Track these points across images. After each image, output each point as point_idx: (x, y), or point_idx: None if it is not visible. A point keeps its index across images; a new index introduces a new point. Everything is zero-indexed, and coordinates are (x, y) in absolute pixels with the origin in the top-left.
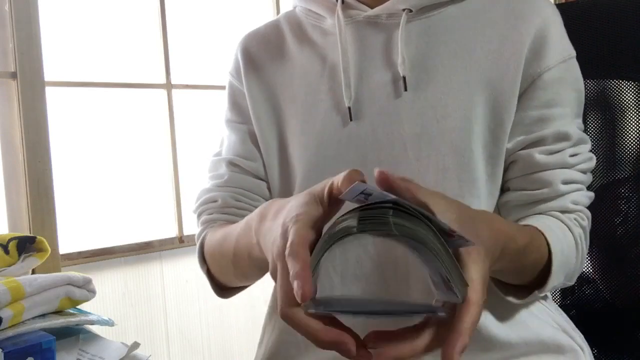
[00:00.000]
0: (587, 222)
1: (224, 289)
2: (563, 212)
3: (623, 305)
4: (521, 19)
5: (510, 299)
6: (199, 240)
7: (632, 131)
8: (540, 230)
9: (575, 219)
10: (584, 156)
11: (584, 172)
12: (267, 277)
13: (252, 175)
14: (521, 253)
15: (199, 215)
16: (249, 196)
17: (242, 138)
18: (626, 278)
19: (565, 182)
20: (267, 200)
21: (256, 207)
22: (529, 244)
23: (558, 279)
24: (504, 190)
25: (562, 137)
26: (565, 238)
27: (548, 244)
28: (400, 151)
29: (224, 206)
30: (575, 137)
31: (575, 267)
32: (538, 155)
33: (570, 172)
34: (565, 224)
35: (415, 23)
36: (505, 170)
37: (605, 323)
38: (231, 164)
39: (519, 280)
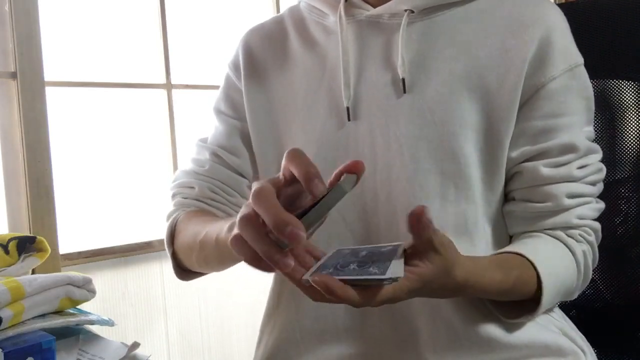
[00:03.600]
0: (594, 237)
1: (184, 272)
2: (567, 227)
3: (623, 305)
4: (525, 25)
5: (500, 316)
6: (170, 221)
7: (632, 131)
8: (531, 262)
9: (580, 235)
10: (593, 167)
11: (592, 184)
12: (268, 279)
13: (233, 170)
14: (502, 292)
15: (173, 196)
16: (226, 190)
17: (229, 132)
18: (626, 278)
19: (571, 196)
20: (243, 196)
21: (231, 201)
22: (512, 287)
23: (551, 304)
24: (508, 199)
25: (569, 149)
26: (564, 265)
27: (539, 276)
28: (396, 153)
29: (200, 195)
30: (584, 148)
31: (577, 286)
32: (543, 168)
33: (577, 185)
34: (568, 247)
35: (417, 24)
36: (510, 180)
37: (605, 323)
38: (214, 154)
39: (508, 299)
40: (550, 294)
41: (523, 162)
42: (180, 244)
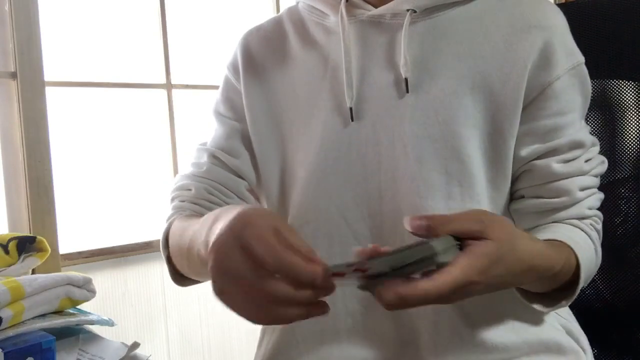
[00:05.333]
0: (600, 225)
1: (181, 277)
2: (580, 218)
3: (623, 305)
4: (527, 25)
5: (536, 306)
6: (166, 225)
7: (632, 131)
8: (570, 247)
9: (591, 224)
10: (597, 160)
11: (596, 176)
12: None
13: (231, 171)
14: (552, 277)
15: (171, 200)
16: (223, 191)
17: (229, 133)
18: (626, 278)
19: (582, 189)
20: (242, 198)
21: (227, 202)
22: (562, 267)
23: (582, 287)
24: (516, 197)
25: (577, 145)
26: (589, 248)
27: (577, 259)
28: (400, 153)
29: (197, 197)
30: (588, 143)
31: (594, 272)
32: (555, 164)
33: (586, 178)
34: (586, 233)
35: (419, 24)
36: (518, 179)
37: (605, 323)
38: (213, 156)
39: (547, 289)
40: (585, 275)
41: (533, 160)
42: (172, 250)
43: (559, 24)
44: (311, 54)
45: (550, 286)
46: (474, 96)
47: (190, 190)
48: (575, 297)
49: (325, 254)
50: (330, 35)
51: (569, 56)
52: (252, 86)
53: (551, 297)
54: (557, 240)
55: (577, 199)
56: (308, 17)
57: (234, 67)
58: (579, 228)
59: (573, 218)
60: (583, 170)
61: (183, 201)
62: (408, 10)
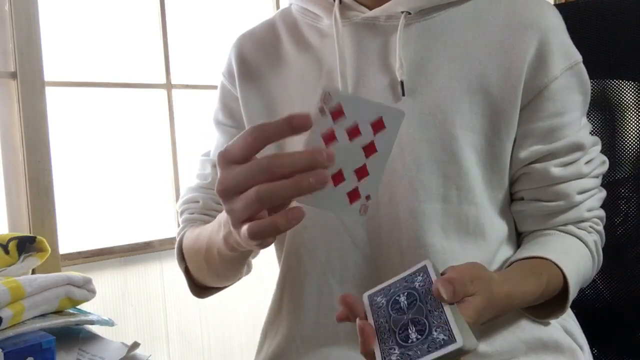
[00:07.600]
0: (601, 225)
1: (200, 289)
2: (579, 221)
3: (623, 305)
4: (523, 26)
5: (529, 315)
6: (178, 238)
7: (632, 131)
8: (555, 263)
9: (590, 226)
10: (597, 161)
11: (597, 176)
12: (268, 280)
13: None
14: (537, 297)
15: (181, 213)
16: None
17: (229, 141)
18: (626, 278)
19: (581, 192)
20: None
21: None
22: (544, 290)
23: (574, 296)
24: (516, 198)
25: (576, 147)
26: (583, 258)
27: (564, 275)
28: (398, 156)
29: (205, 208)
30: (589, 144)
31: (592, 275)
32: (554, 168)
33: (585, 181)
34: (581, 240)
35: (414, 26)
36: (517, 181)
37: (605, 323)
38: (215, 166)
39: (535, 303)
40: (574, 289)
41: (531, 163)
42: (189, 260)
43: (555, 23)
44: (305, 57)
45: (538, 302)
46: (470, 98)
47: (198, 202)
48: (565, 310)
49: (324, 259)
50: (324, 38)
51: (565, 56)
52: (248, 91)
53: (542, 309)
54: (543, 259)
55: (575, 203)
56: (301, 20)
57: (229, 73)
58: (575, 236)
59: (571, 222)
60: (582, 173)
61: (192, 213)
62: (402, 12)
